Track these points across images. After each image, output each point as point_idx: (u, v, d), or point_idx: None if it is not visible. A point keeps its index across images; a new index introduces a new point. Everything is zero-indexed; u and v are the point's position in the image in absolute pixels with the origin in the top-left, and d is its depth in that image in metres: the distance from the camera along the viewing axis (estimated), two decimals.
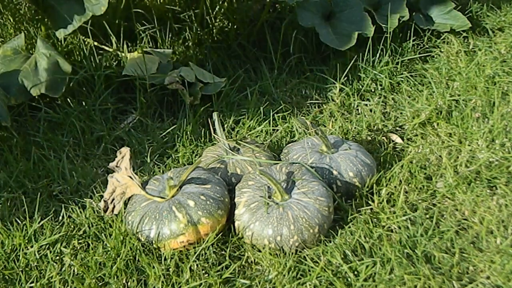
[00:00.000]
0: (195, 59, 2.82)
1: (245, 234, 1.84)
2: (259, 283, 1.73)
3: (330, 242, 1.86)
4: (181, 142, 2.35)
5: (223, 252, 1.83)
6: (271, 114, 2.47)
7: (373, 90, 2.69)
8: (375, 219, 1.94)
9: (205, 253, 1.81)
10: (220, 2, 2.99)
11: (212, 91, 2.54)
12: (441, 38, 3.04)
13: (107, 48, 2.70)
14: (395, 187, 2.06)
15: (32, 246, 1.85)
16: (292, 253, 1.81)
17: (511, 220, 1.92)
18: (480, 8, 3.34)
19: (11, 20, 2.89)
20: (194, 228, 1.79)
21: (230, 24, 2.98)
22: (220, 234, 1.85)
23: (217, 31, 2.94)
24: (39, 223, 1.93)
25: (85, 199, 2.06)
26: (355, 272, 1.75)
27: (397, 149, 2.30)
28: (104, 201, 1.96)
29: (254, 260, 1.81)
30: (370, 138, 2.35)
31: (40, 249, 1.85)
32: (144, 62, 2.52)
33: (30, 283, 1.75)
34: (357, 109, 2.55)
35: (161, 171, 2.20)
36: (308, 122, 2.16)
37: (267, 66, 2.80)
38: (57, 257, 1.84)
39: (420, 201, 2.02)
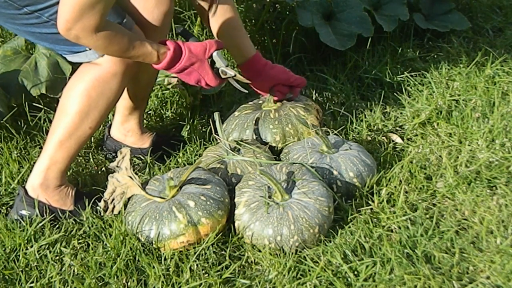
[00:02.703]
0: None
1: (245, 234, 1.84)
2: (259, 283, 1.72)
3: (330, 242, 1.85)
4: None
5: (223, 252, 1.83)
6: None
7: (373, 90, 2.69)
8: (375, 219, 1.94)
9: (205, 253, 1.81)
10: None
11: (212, 91, 2.54)
12: (441, 38, 3.04)
13: None
14: (395, 187, 2.06)
15: (32, 246, 1.85)
16: (292, 253, 1.80)
17: (511, 220, 1.92)
18: (480, 8, 3.34)
19: None
20: (194, 228, 1.79)
21: None
22: (220, 234, 1.85)
23: None
24: (39, 223, 1.93)
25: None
26: (355, 272, 1.75)
27: (397, 149, 2.30)
28: (104, 201, 1.96)
29: (254, 260, 1.81)
30: (370, 138, 2.35)
31: (40, 249, 1.85)
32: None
33: (30, 283, 1.75)
34: (357, 109, 2.55)
35: (161, 171, 2.20)
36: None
37: None
38: (57, 257, 1.84)
39: (420, 201, 2.02)
